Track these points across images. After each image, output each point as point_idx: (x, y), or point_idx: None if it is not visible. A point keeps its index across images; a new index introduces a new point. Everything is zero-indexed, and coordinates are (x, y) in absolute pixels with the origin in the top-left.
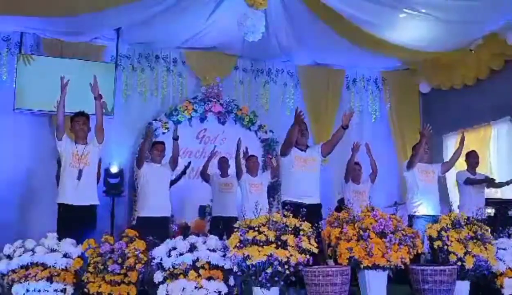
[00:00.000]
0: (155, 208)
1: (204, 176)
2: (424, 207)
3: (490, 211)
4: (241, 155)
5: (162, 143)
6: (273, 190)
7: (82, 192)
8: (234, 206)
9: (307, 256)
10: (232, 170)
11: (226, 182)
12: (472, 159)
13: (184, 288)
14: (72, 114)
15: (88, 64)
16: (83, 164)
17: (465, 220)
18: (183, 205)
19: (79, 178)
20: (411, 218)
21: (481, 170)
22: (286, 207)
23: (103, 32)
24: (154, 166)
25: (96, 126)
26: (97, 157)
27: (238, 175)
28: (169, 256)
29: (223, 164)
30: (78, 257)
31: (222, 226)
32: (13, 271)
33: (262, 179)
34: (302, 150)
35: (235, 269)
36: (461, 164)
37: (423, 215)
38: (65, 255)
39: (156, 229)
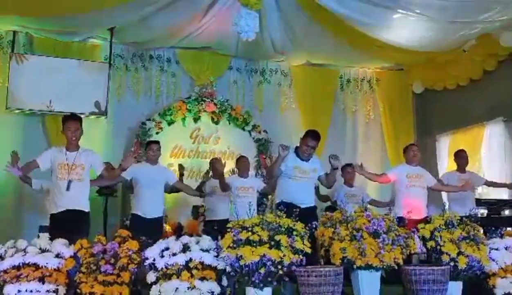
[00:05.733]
0: (149, 210)
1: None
2: (411, 210)
3: (483, 211)
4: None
5: (157, 142)
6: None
7: (71, 199)
8: (226, 208)
9: (300, 256)
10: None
11: (217, 184)
12: (461, 159)
13: (177, 288)
14: (63, 117)
15: (81, 64)
16: (74, 174)
17: (458, 221)
18: (177, 205)
19: (68, 188)
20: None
21: (472, 170)
22: (280, 207)
23: (96, 31)
24: (149, 167)
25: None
26: (89, 168)
27: (225, 189)
28: (162, 256)
29: (215, 165)
30: (71, 257)
31: (217, 227)
32: (5, 271)
33: (253, 183)
34: (303, 160)
35: (228, 269)
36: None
37: (409, 217)
38: (57, 255)
39: (150, 229)
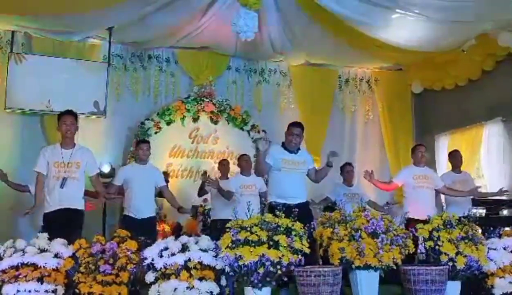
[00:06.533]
0: (140, 210)
1: (202, 193)
2: (419, 210)
3: (482, 211)
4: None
5: (147, 142)
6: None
7: (65, 197)
8: (230, 208)
9: (299, 256)
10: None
11: (224, 186)
12: (454, 159)
13: (175, 288)
14: (59, 113)
15: (80, 64)
16: (69, 172)
17: (457, 221)
18: None
19: (62, 186)
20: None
21: (471, 170)
22: (278, 208)
23: (95, 31)
24: (139, 167)
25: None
26: (85, 166)
27: (227, 197)
28: (161, 256)
29: (223, 166)
30: (69, 257)
31: (220, 227)
32: (4, 271)
33: (255, 181)
34: (291, 152)
35: (227, 269)
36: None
37: (417, 218)
38: (56, 255)
39: (142, 229)
